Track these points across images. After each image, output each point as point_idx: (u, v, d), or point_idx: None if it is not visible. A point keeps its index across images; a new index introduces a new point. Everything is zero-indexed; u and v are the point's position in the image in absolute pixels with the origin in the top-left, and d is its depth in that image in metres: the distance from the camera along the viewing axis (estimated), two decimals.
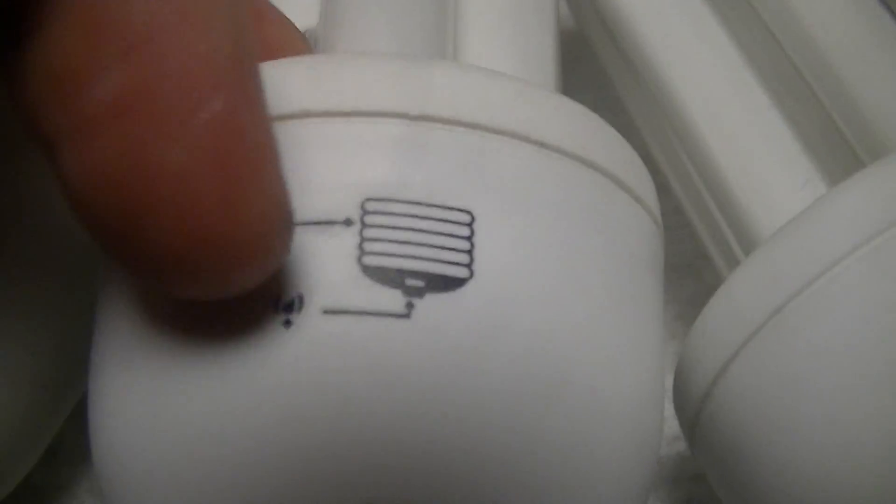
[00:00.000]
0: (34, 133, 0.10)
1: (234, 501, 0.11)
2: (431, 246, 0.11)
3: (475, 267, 0.11)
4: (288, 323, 0.10)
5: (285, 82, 0.12)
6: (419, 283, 0.11)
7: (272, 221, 0.10)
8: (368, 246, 0.11)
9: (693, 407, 0.15)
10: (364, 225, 0.11)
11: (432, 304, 0.11)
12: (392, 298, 0.11)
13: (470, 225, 0.11)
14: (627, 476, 0.12)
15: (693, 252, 0.21)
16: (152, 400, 0.11)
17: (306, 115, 0.11)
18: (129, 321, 0.11)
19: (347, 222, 0.11)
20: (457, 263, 0.11)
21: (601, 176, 0.12)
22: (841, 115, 0.16)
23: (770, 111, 0.17)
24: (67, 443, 0.18)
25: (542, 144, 0.12)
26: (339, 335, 0.10)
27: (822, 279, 0.13)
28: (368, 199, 0.11)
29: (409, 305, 0.11)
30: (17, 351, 0.14)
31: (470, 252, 0.11)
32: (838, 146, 0.17)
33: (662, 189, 0.20)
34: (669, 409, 0.15)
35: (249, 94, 0.10)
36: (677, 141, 0.18)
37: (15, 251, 0.15)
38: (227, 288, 0.10)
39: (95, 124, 0.09)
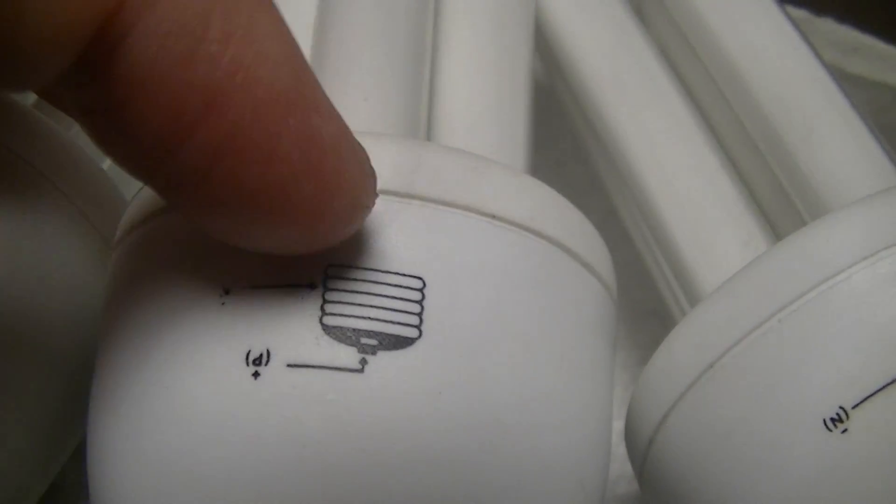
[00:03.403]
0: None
1: None
2: (385, 308, 0.12)
3: (424, 328, 0.12)
4: (256, 374, 0.12)
5: None
6: (373, 342, 0.12)
7: (359, 188, 0.12)
8: (329, 308, 0.12)
9: (640, 453, 0.15)
10: (326, 289, 0.12)
11: (384, 361, 0.12)
12: (348, 355, 0.12)
13: (421, 290, 0.12)
14: None
15: (656, 298, 0.21)
16: (135, 443, 0.12)
17: None
18: (117, 372, 0.13)
19: (311, 286, 0.12)
20: (407, 325, 0.12)
21: (551, 245, 0.14)
22: (787, 177, 0.17)
23: (718, 172, 0.18)
24: (69, 481, 0.19)
25: (493, 216, 0.13)
26: (300, 387, 0.12)
27: (752, 335, 0.14)
28: (331, 266, 0.12)
29: (363, 361, 0.12)
30: (30, 398, 0.15)
31: (420, 314, 0.12)
32: (784, 207, 0.18)
33: (627, 237, 0.21)
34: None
35: (315, 101, 0.11)
36: (631, 197, 0.19)
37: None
38: (338, 236, 0.12)
39: (193, 177, 0.11)
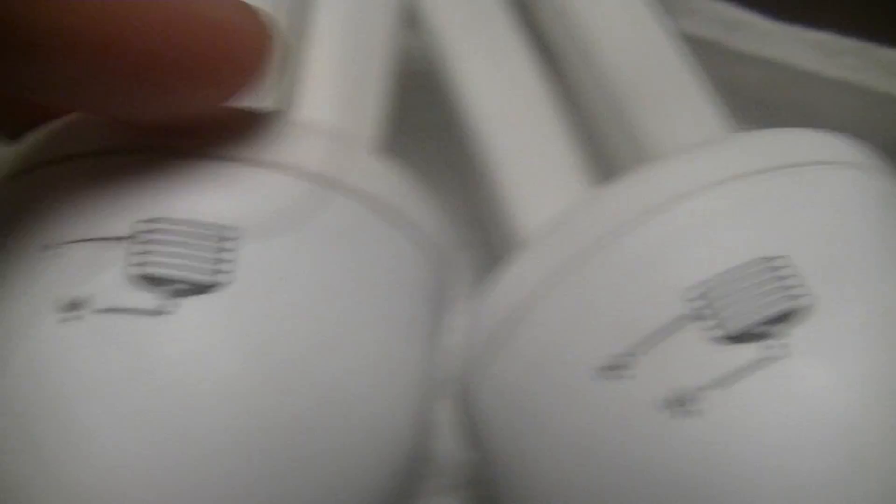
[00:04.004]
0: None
1: None
2: (189, 258, 0.13)
3: (227, 276, 0.13)
4: (65, 320, 0.13)
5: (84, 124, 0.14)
6: (183, 287, 0.13)
7: (257, 29, 0.12)
8: (136, 258, 0.13)
9: (460, 402, 0.17)
10: (134, 241, 0.13)
11: (187, 306, 0.13)
12: (153, 300, 0.13)
13: (225, 240, 0.13)
14: (373, 471, 0.14)
15: None
16: None
17: (96, 153, 0.14)
18: None
19: (125, 238, 0.13)
20: (210, 272, 0.13)
21: (362, 202, 0.15)
22: (626, 142, 0.18)
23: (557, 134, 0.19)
24: None
25: (300, 174, 0.14)
26: (107, 330, 0.13)
27: (546, 285, 0.15)
28: (139, 221, 0.13)
29: (167, 306, 0.13)
30: None
31: (223, 263, 0.13)
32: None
33: None
34: None
35: None
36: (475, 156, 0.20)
37: None
38: (239, 84, 0.13)
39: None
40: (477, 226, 0.25)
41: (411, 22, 0.22)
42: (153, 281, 0.13)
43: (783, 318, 0.13)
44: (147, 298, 0.13)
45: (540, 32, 0.22)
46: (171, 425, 0.12)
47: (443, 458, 0.21)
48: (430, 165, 0.26)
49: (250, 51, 0.13)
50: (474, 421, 0.16)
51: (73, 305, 0.13)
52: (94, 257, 0.13)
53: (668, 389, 0.13)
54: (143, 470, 0.12)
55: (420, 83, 0.25)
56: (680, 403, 0.13)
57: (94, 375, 0.13)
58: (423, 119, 0.26)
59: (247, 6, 0.13)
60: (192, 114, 0.13)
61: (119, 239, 0.13)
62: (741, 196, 0.14)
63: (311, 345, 0.14)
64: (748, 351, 0.13)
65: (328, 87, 0.18)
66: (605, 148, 0.19)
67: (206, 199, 0.13)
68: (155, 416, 0.12)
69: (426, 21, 0.22)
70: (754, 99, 0.27)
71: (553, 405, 0.14)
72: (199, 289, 0.13)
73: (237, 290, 0.13)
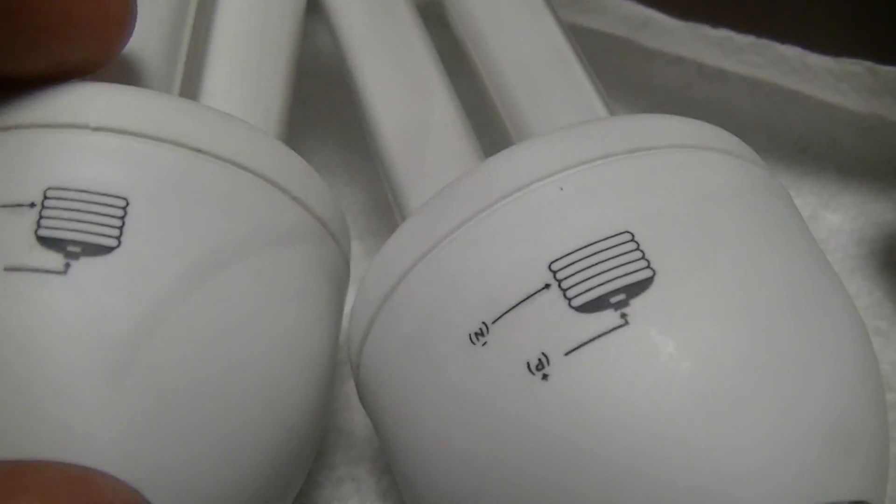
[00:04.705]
0: None
1: None
2: (90, 222, 0.14)
3: (123, 239, 0.14)
4: None
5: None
6: (76, 249, 0.14)
7: (122, 8, 0.15)
8: (44, 222, 0.14)
9: (354, 376, 0.18)
10: (43, 207, 0.14)
11: (85, 264, 0.14)
12: (55, 259, 0.14)
13: (124, 208, 0.15)
14: (271, 434, 0.15)
15: None
16: None
17: (14, 126, 0.15)
18: None
19: (31, 205, 0.14)
20: (108, 236, 0.14)
21: (256, 179, 0.16)
22: (512, 125, 0.20)
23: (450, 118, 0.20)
24: None
25: (199, 150, 0.16)
26: (13, 286, 0.14)
27: (424, 259, 0.16)
28: (49, 188, 0.15)
29: (67, 265, 0.14)
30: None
31: (120, 228, 0.14)
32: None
33: None
34: None
35: None
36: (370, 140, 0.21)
37: None
38: (90, 53, 0.15)
39: None
40: (373, 215, 0.26)
41: (312, 6, 0.23)
42: (57, 242, 0.14)
43: (627, 290, 0.14)
44: (52, 258, 0.14)
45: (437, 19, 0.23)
46: (78, 371, 0.14)
47: (352, 430, 0.22)
48: (331, 157, 0.27)
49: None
50: (362, 390, 0.17)
51: None
52: (5, 221, 0.14)
53: (528, 355, 0.14)
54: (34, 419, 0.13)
55: (320, 73, 0.26)
56: (539, 367, 0.14)
57: (7, 329, 0.14)
58: (322, 110, 0.27)
59: None
60: (74, 72, 0.15)
61: (31, 206, 0.14)
62: (599, 175, 0.15)
63: (199, 308, 0.15)
64: (595, 320, 0.14)
65: (230, 73, 0.19)
66: (496, 134, 0.20)
67: (108, 170, 0.15)
68: (60, 363, 0.14)
69: (326, 6, 0.22)
70: (668, 97, 0.28)
71: (427, 373, 0.15)
72: (98, 250, 0.14)
73: (129, 252, 0.14)
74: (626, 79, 0.28)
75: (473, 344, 0.15)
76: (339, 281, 0.18)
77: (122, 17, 0.16)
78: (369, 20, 0.22)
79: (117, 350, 0.14)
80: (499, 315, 0.15)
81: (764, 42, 0.24)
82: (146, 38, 0.18)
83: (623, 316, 0.14)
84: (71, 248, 0.14)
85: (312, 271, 0.17)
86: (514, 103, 0.19)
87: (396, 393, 0.16)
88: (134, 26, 0.16)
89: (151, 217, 0.15)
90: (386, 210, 0.26)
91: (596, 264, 0.14)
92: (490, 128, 0.21)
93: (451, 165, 0.19)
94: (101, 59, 0.16)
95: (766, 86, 0.27)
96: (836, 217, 0.26)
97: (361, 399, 0.18)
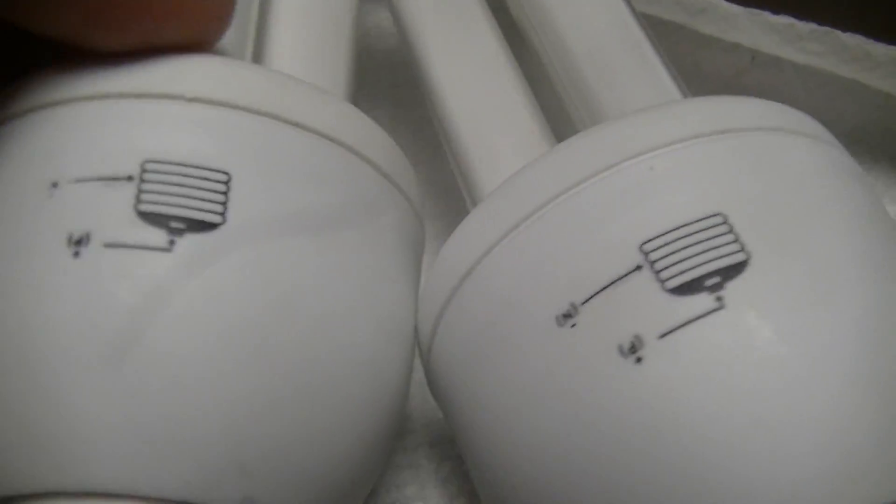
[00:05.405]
0: None
1: None
2: (193, 197, 0.14)
3: (227, 215, 0.14)
4: (76, 254, 0.14)
5: (91, 67, 0.15)
6: (180, 226, 0.14)
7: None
8: (143, 196, 0.14)
9: (424, 361, 0.17)
10: (142, 181, 0.14)
11: (189, 241, 0.14)
12: (158, 236, 0.14)
13: (226, 182, 0.14)
14: (368, 412, 0.15)
15: None
16: None
17: (106, 95, 0.15)
18: None
19: (129, 178, 0.14)
20: (212, 211, 0.14)
21: (351, 154, 0.16)
22: (584, 110, 0.19)
23: (518, 103, 0.20)
24: None
25: (297, 124, 0.15)
26: (115, 264, 0.14)
27: (504, 240, 0.15)
28: (147, 161, 0.14)
29: (171, 242, 0.14)
30: None
31: (224, 203, 0.14)
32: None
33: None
34: None
35: None
36: (440, 127, 0.21)
37: None
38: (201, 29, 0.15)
39: None
40: (428, 198, 0.26)
41: None
42: (160, 218, 0.14)
43: (721, 273, 0.14)
44: (155, 234, 0.14)
45: (504, 6, 0.23)
46: (180, 351, 0.13)
47: (409, 416, 0.22)
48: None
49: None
50: (434, 376, 0.17)
51: (86, 240, 0.14)
52: (103, 195, 0.14)
53: (620, 337, 0.14)
54: (154, 392, 0.13)
55: (370, 54, 0.26)
56: (632, 350, 0.14)
57: (108, 306, 0.13)
58: (372, 92, 0.27)
59: None
60: (166, 47, 0.15)
61: (129, 179, 0.14)
62: (690, 156, 0.15)
63: (307, 284, 0.15)
64: (690, 303, 0.14)
65: (295, 42, 0.19)
66: (568, 120, 0.20)
67: (210, 143, 0.15)
68: (164, 342, 0.13)
69: None
70: (720, 84, 0.28)
71: (509, 355, 0.15)
72: (203, 226, 0.14)
73: (234, 228, 0.14)
74: (677, 66, 0.28)
75: (560, 326, 0.14)
76: (419, 258, 0.18)
77: (224, 12, 0.15)
78: (435, 4, 0.21)
79: (236, 331, 0.14)
80: (589, 296, 0.14)
81: (825, 29, 0.24)
82: None
83: (718, 299, 0.14)
84: (174, 225, 0.14)
85: (402, 249, 0.17)
86: (585, 86, 0.19)
87: (474, 377, 0.16)
88: (231, 22, 0.15)
89: (255, 192, 0.14)
90: (440, 192, 0.26)
91: (689, 246, 0.14)
92: (546, 113, 0.21)
93: (523, 148, 0.19)
94: (194, 47, 0.15)
95: (820, 75, 0.27)
96: (892, 209, 0.26)
97: (431, 383, 0.18)
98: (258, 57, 0.19)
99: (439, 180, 0.26)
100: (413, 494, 0.21)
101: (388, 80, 0.28)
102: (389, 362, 0.16)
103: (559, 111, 0.21)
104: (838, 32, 0.24)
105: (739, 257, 0.14)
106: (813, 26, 0.24)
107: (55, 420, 0.13)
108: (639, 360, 0.14)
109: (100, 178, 0.14)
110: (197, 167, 0.14)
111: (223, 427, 0.14)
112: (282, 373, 0.14)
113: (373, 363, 0.15)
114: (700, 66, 0.28)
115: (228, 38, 0.17)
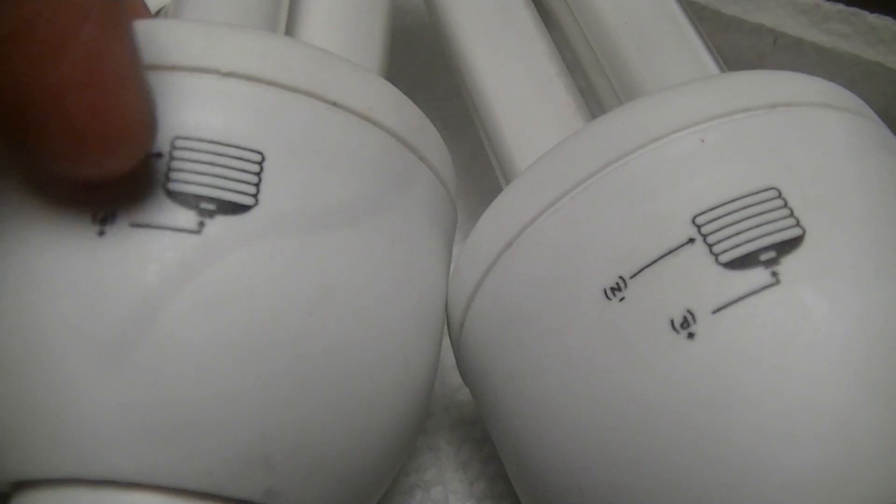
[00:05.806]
0: None
1: None
2: (224, 178, 0.13)
3: (260, 197, 0.13)
4: (102, 233, 0.13)
5: None
6: (211, 207, 0.13)
7: (135, 125, 0.12)
8: (173, 175, 0.13)
9: (455, 333, 0.17)
10: (172, 158, 0.13)
11: (220, 224, 0.13)
12: (187, 217, 0.13)
13: (259, 163, 0.14)
14: (400, 396, 0.15)
15: None
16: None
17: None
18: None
19: (158, 155, 0.13)
20: (244, 193, 0.13)
21: (388, 136, 0.15)
22: (620, 85, 0.19)
23: (554, 80, 0.19)
24: None
25: (334, 104, 0.15)
26: (141, 244, 0.13)
27: (546, 213, 0.15)
28: (177, 138, 0.13)
29: (201, 224, 0.13)
30: None
31: (257, 185, 0.13)
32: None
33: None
34: None
35: (115, 25, 0.12)
36: (472, 104, 0.20)
37: None
38: (103, 169, 0.13)
39: None
40: (463, 174, 0.25)
41: None
42: (189, 199, 0.13)
43: (777, 248, 0.13)
44: (184, 215, 0.13)
45: None
46: (205, 334, 0.13)
47: (434, 399, 0.22)
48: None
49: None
50: (465, 353, 0.17)
51: (112, 218, 0.13)
52: (130, 172, 0.13)
53: (672, 312, 0.13)
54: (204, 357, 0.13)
55: (396, 33, 0.26)
56: (684, 325, 0.13)
57: (133, 287, 0.13)
58: (397, 69, 0.27)
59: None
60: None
61: (158, 156, 0.13)
62: (742, 129, 0.14)
63: (342, 279, 0.14)
64: (745, 277, 0.13)
65: (329, 15, 0.19)
66: (602, 95, 0.20)
67: (243, 121, 0.14)
68: (189, 324, 0.13)
69: None
70: (744, 65, 0.27)
71: (552, 331, 0.14)
72: (234, 208, 0.13)
73: (267, 212, 0.13)
74: None
75: (609, 299, 0.14)
76: (451, 237, 0.18)
77: (137, 133, 0.13)
78: None
79: (266, 321, 0.13)
80: (638, 269, 0.14)
81: (853, 10, 0.24)
82: None
83: (774, 274, 0.13)
84: (205, 206, 0.13)
85: (435, 231, 0.16)
86: (623, 62, 0.19)
87: (512, 354, 0.15)
88: (155, 136, 0.13)
89: (290, 174, 0.14)
90: (470, 170, 0.25)
91: (743, 220, 0.14)
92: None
93: (560, 124, 0.18)
94: (119, 172, 0.13)
95: (843, 58, 0.26)
96: None
97: (461, 361, 0.17)
98: (291, 29, 0.18)
99: (457, 160, 0.26)
100: (433, 478, 0.21)
101: (409, 58, 0.28)
102: (418, 351, 0.15)
103: (585, 94, 0.21)
104: (866, 13, 0.24)
105: (795, 232, 0.13)
106: (840, 6, 0.24)
107: (73, 407, 0.13)
108: (691, 335, 0.13)
109: None
110: (229, 145, 0.14)
111: (248, 418, 0.13)
112: (310, 365, 0.14)
113: (402, 353, 0.15)
114: (719, 50, 0.27)
115: (260, 10, 0.17)
